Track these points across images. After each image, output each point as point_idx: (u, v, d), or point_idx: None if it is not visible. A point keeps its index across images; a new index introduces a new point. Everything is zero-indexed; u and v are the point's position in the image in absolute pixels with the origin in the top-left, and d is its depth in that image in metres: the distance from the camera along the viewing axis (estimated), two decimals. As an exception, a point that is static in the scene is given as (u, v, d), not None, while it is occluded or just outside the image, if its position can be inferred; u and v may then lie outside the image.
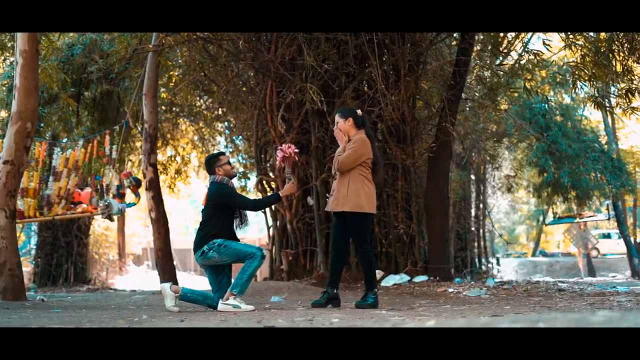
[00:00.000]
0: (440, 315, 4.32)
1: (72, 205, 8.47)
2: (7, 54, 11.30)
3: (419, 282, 8.86)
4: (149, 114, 9.26)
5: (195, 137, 16.90)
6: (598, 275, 23.52)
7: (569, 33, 7.91)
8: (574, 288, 8.29)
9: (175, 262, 10.61)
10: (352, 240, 5.55)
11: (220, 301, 5.02)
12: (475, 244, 19.94)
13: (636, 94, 8.21)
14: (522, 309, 4.84)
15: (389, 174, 9.92)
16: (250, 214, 5.71)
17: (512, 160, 18.87)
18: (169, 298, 5.12)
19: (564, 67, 13.18)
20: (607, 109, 9.57)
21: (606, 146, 17.71)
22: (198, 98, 14.86)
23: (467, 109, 12.73)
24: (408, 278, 9.09)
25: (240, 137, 14.60)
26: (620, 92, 8.42)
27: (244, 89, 11.66)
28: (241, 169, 14.53)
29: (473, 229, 19.67)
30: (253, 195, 13.77)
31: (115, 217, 8.49)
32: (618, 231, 22.09)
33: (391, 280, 9.00)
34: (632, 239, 20.47)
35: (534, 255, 33.78)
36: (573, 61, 8.39)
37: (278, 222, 10.64)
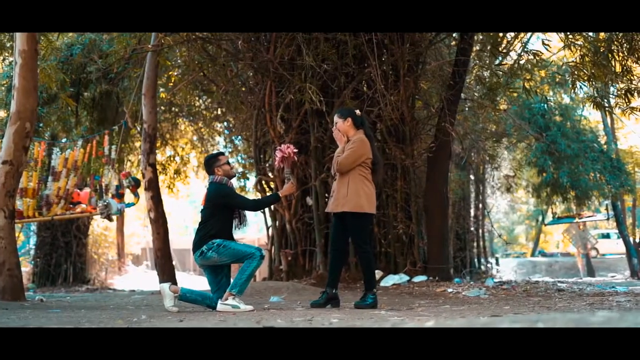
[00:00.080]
0: (440, 315, 4.32)
1: (71, 206, 8.46)
2: (6, 54, 11.29)
3: (418, 282, 8.86)
4: (148, 114, 9.25)
5: (195, 137, 16.90)
6: (597, 275, 23.54)
7: (568, 33, 7.91)
8: (573, 288, 8.29)
9: (174, 262, 10.61)
10: (351, 241, 5.55)
11: (219, 301, 5.02)
12: (475, 244, 19.94)
13: (635, 94, 8.21)
14: (521, 309, 4.84)
15: (388, 174, 9.92)
16: (249, 214, 5.71)
17: (511, 160, 18.88)
18: (168, 298, 5.11)
19: (563, 67, 13.19)
20: (607, 109, 9.57)
21: (605, 146, 17.72)
22: (197, 98, 14.86)
23: (467, 109, 12.73)
24: (407, 278, 9.09)
25: (240, 137, 14.59)
26: (619, 92, 8.42)
27: (243, 89, 11.66)
28: (240, 169, 14.53)
29: (472, 229, 19.68)
30: (252, 195, 13.77)
31: (114, 217, 8.48)
32: (617, 231, 22.10)
33: (390, 280, 9.01)
34: (631, 239, 20.48)
35: (533, 255, 33.80)
36: (572, 61, 8.39)
37: (277, 222, 10.64)
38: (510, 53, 11.39)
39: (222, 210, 5.20)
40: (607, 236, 29.74)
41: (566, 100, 17.85)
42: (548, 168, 15.75)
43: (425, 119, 11.42)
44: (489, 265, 21.30)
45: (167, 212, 10.33)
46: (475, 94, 12.45)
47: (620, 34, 7.45)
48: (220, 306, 4.97)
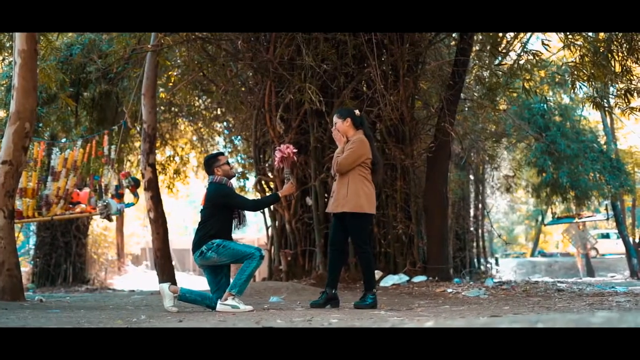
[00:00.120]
0: (439, 315, 4.31)
1: (70, 206, 8.46)
2: (6, 54, 11.28)
3: (418, 282, 8.86)
4: (147, 114, 9.25)
5: (194, 137, 16.90)
6: (597, 275, 23.55)
7: (567, 33, 7.91)
8: (572, 288, 8.29)
9: (173, 262, 10.60)
10: (351, 241, 5.55)
11: (219, 301, 5.01)
12: (474, 244, 19.94)
13: (635, 94, 8.21)
14: (521, 310, 4.84)
15: (388, 174, 9.92)
16: (248, 214, 5.70)
17: (510, 160, 18.88)
18: (168, 298, 5.11)
19: (563, 67, 13.19)
20: (606, 109, 9.58)
21: (605, 146, 17.72)
22: (197, 98, 14.85)
23: (466, 109, 12.73)
24: (407, 278, 9.09)
25: (239, 137, 14.59)
26: (619, 92, 8.42)
27: (243, 89, 11.65)
28: (240, 169, 14.52)
29: (472, 229, 19.68)
30: (252, 195, 13.76)
31: (113, 217, 8.48)
32: (617, 231, 22.10)
33: (390, 280, 9.00)
34: (630, 239, 20.48)
35: (532, 255, 33.80)
36: (572, 61, 8.39)
37: (277, 222, 10.64)
38: (510, 53, 11.40)
39: (221, 210, 5.20)
40: (607, 236, 29.75)
41: (566, 100, 17.87)
42: (548, 168, 15.75)
43: (424, 119, 11.42)
44: (488, 265, 21.31)
45: (167, 212, 10.33)
46: (475, 94, 12.45)
47: (620, 34, 7.45)
48: (219, 306, 4.97)
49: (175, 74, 12.74)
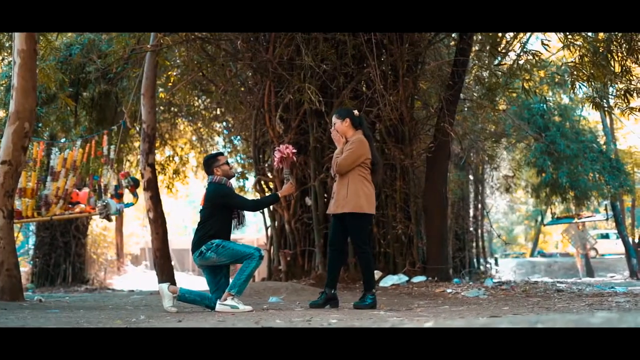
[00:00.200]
0: (439, 315, 4.31)
1: (70, 206, 8.45)
2: (5, 54, 11.28)
3: (417, 282, 8.86)
4: (147, 114, 9.25)
5: (194, 137, 16.89)
6: (596, 275, 23.57)
7: (567, 33, 7.91)
8: (572, 288, 8.30)
9: (173, 262, 10.60)
10: (350, 241, 5.55)
11: (218, 302, 5.01)
12: (474, 244, 19.95)
13: (634, 94, 8.21)
14: (520, 310, 4.84)
15: (388, 174, 9.92)
16: (248, 215, 5.70)
17: (510, 160, 18.88)
18: (167, 298, 5.11)
19: (563, 67, 13.19)
20: (606, 109, 9.57)
21: (604, 146, 17.73)
22: (196, 98, 14.85)
23: (466, 109, 12.74)
24: (406, 278, 9.09)
25: (239, 137, 14.58)
26: (618, 92, 8.42)
27: (242, 89, 11.65)
28: (239, 169, 14.52)
29: (471, 229, 19.68)
30: (251, 195, 13.76)
31: (113, 217, 8.48)
32: (616, 231, 22.11)
33: (389, 280, 9.00)
34: (630, 239, 20.48)
35: (532, 255, 33.82)
36: (571, 61, 8.39)
37: (276, 223, 10.63)
38: (510, 53, 11.39)
39: (221, 210, 5.20)
40: (606, 236, 29.77)
41: (565, 100, 17.87)
42: (547, 168, 15.75)
43: (424, 119, 11.42)
44: (488, 265, 21.31)
45: (166, 212, 10.32)
46: (475, 94, 12.45)
47: (620, 34, 7.45)
48: (219, 306, 4.97)
49: (174, 74, 12.74)
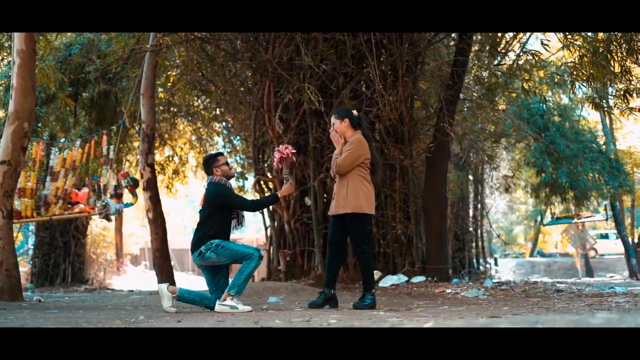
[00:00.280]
0: (438, 316, 4.31)
1: (69, 206, 8.45)
2: (5, 54, 11.28)
3: (417, 282, 8.85)
4: (146, 114, 9.24)
5: (193, 137, 16.89)
6: (596, 275, 23.56)
7: (567, 33, 7.91)
8: (572, 289, 8.30)
9: (172, 263, 10.59)
10: (350, 241, 5.54)
11: (218, 302, 5.01)
12: (473, 244, 19.94)
13: (634, 94, 8.21)
14: (520, 310, 4.84)
15: (387, 174, 9.91)
16: (247, 215, 5.70)
17: (510, 160, 18.88)
18: (166, 299, 5.10)
19: (562, 67, 13.19)
20: (605, 109, 9.57)
21: (604, 146, 17.74)
22: (196, 98, 14.85)
23: (465, 109, 12.73)
24: (406, 279, 9.08)
25: (238, 137, 14.58)
26: (618, 92, 8.41)
27: (242, 89, 11.64)
28: (239, 170, 14.51)
29: (471, 229, 19.68)
30: (251, 195, 13.76)
31: (112, 217, 8.48)
32: (616, 231, 22.11)
33: (389, 280, 9.00)
34: (629, 239, 20.49)
35: (531, 255, 33.81)
36: (571, 61, 8.38)
37: (276, 223, 10.63)
38: (509, 53, 11.39)
39: (220, 210, 5.20)
40: (606, 236, 29.77)
41: (565, 100, 17.87)
42: (547, 168, 15.75)
43: (424, 119, 11.41)
44: (487, 265, 21.30)
45: (166, 212, 10.32)
46: (474, 94, 12.45)
47: (619, 34, 7.44)
48: (218, 307, 4.97)
49: (174, 74, 12.73)
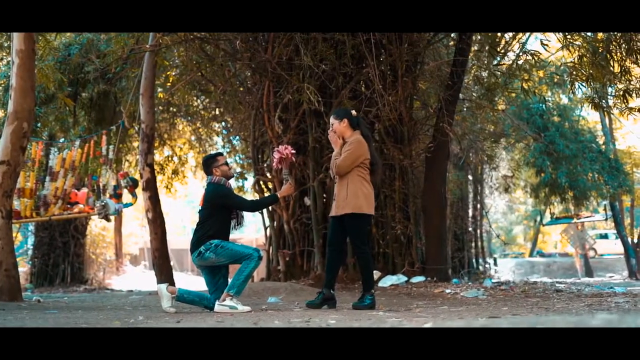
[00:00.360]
0: (438, 316, 4.31)
1: (68, 206, 8.45)
2: (4, 54, 11.27)
3: (417, 282, 8.85)
4: (146, 114, 9.24)
5: (193, 138, 16.89)
6: (595, 275, 23.57)
7: (566, 33, 7.91)
8: (571, 289, 8.30)
9: (172, 263, 10.59)
10: (349, 241, 5.54)
11: (217, 302, 5.01)
12: (473, 244, 19.94)
13: (633, 94, 8.21)
14: (519, 310, 4.83)
15: (387, 174, 9.90)
16: (247, 215, 5.69)
17: (509, 160, 18.88)
18: (166, 299, 5.10)
19: (562, 67, 13.19)
20: (605, 109, 9.56)
21: (604, 146, 17.75)
22: (195, 98, 14.84)
23: (465, 109, 12.73)
24: (405, 279, 9.08)
25: (237, 137, 14.58)
26: (617, 92, 8.42)
27: (241, 89, 11.64)
28: (238, 170, 14.51)
29: (470, 229, 19.68)
30: (250, 195, 13.75)
31: (111, 218, 8.47)
32: (615, 231, 22.12)
33: (388, 281, 8.99)
34: (629, 239, 20.50)
35: (531, 255, 33.82)
36: (571, 62, 8.38)
37: (275, 223, 10.62)
38: (509, 53, 11.39)
39: (220, 210, 5.19)
40: (605, 236, 29.78)
41: (564, 100, 17.87)
42: (546, 168, 15.76)
43: (423, 119, 11.40)
44: (487, 265, 21.31)
45: (165, 212, 10.30)
46: (474, 94, 12.44)
47: (619, 34, 7.44)
48: (217, 307, 4.97)
49: (173, 74, 12.73)
